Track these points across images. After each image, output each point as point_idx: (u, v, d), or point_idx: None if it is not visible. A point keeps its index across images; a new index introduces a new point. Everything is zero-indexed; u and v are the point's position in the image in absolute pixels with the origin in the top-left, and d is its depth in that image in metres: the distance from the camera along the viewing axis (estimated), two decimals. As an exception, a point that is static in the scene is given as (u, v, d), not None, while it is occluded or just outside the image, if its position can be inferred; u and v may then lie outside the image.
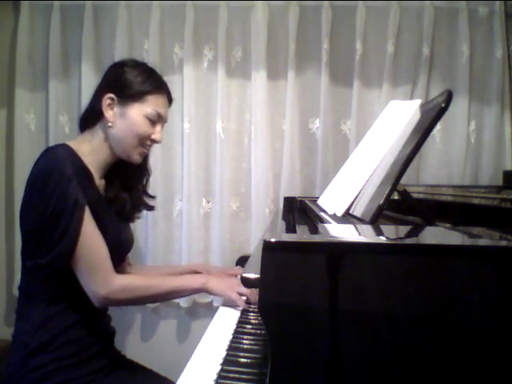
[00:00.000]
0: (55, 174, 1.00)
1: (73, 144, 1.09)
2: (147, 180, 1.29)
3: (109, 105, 1.10)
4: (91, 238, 1.02)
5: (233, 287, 1.13)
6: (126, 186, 1.22)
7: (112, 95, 1.10)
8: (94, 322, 1.13)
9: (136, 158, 1.16)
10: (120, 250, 1.18)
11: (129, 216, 1.24)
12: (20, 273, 1.13)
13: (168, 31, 1.90)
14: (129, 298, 1.08)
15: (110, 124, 1.10)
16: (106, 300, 1.06)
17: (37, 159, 1.06)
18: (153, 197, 1.32)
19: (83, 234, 1.00)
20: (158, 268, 1.56)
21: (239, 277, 1.32)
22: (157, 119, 1.14)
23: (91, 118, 1.14)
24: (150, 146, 1.17)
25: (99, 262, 1.03)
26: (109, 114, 1.10)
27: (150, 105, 1.12)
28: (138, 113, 1.11)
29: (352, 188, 0.96)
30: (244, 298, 1.12)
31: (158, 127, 1.16)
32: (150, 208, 1.32)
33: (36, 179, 1.03)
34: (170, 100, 1.21)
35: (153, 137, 1.15)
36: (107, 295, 1.04)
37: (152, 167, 1.86)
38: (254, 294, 1.09)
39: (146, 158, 1.24)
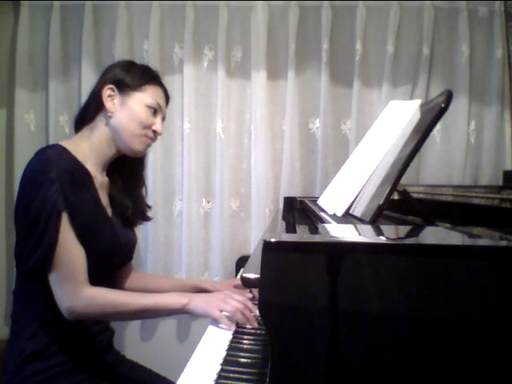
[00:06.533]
0: (39, 177, 0.98)
1: (69, 143, 1.08)
2: (145, 188, 1.28)
3: (109, 96, 1.11)
4: (66, 247, 0.98)
5: (214, 305, 1.02)
6: (126, 185, 1.21)
7: (112, 86, 1.11)
8: (90, 328, 1.10)
9: (138, 147, 1.14)
10: (119, 254, 1.15)
11: (130, 221, 1.22)
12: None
13: (168, 31, 1.91)
14: (95, 313, 1.02)
15: (110, 114, 1.10)
16: (71, 313, 0.99)
17: (29, 160, 1.05)
18: (149, 206, 1.30)
19: (58, 242, 0.96)
20: (159, 279, 1.43)
21: (238, 281, 1.32)
22: (157, 108, 1.15)
23: (89, 113, 1.13)
24: (152, 138, 1.16)
25: (70, 273, 0.98)
26: (109, 104, 1.11)
27: (149, 94, 1.13)
28: (138, 102, 1.12)
29: (352, 188, 0.96)
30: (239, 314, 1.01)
31: (159, 119, 1.16)
32: (147, 218, 1.29)
33: (23, 182, 1.02)
34: (167, 96, 1.21)
35: (154, 128, 1.14)
36: (71, 308, 0.99)
37: (152, 167, 1.90)
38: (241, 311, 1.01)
39: (143, 162, 1.25)
